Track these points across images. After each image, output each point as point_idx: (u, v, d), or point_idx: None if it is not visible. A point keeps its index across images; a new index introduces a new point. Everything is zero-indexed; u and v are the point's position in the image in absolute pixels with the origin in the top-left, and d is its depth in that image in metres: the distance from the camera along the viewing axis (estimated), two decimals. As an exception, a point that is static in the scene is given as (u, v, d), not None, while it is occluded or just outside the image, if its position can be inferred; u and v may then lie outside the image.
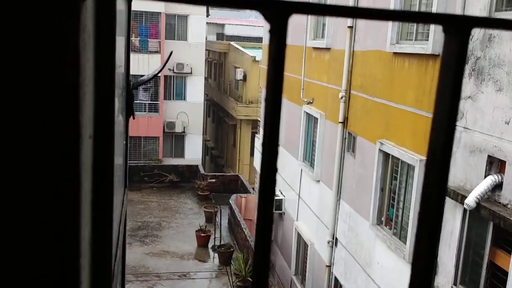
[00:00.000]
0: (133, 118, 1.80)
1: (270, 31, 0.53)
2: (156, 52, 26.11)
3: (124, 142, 1.71)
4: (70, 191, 0.54)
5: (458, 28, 0.56)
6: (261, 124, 17.50)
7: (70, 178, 0.54)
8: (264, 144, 0.54)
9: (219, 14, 48.21)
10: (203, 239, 17.96)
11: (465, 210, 6.63)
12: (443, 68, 0.58)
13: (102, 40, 0.74)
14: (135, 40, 25.79)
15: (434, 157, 0.58)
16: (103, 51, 0.75)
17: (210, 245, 18.00)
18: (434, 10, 7.48)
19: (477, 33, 6.54)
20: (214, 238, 17.86)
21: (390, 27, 8.77)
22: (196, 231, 18.23)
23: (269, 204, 0.53)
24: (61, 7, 0.47)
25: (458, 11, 6.93)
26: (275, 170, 0.54)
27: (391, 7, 8.70)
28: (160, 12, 25.80)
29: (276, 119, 0.54)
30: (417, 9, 8.26)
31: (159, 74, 25.88)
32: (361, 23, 10.14)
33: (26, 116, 0.50)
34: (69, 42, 0.48)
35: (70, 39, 0.48)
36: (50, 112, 0.51)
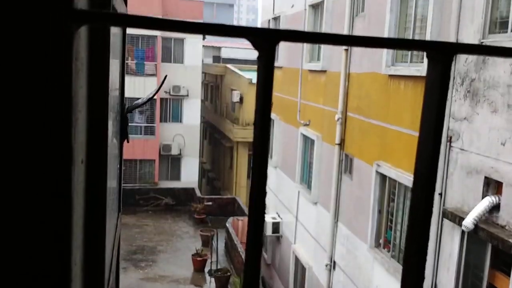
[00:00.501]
0: (127, 141, 1.81)
1: (258, 58, 0.54)
2: (153, 75, 26.25)
3: (118, 166, 1.71)
4: (61, 215, 0.54)
5: (440, 55, 0.57)
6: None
7: (61, 202, 0.54)
8: (254, 169, 0.55)
9: (216, 37, 48.66)
10: (199, 264, 17.78)
11: (463, 232, 6.60)
12: (427, 93, 0.59)
13: (96, 66, 0.75)
14: (131, 63, 25.94)
15: (421, 181, 0.58)
16: (96, 76, 0.76)
17: (206, 269, 17.81)
18: (428, 32, 7.59)
19: (471, 55, 6.62)
20: (211, 262, 17.68)
21: (385, 49, 8.87)
22: (192, 255, 18.05)
23: (259, 229, 0.53)
24: (54, 36, 0.49)
25: (452, 34, 7.03)
26: (264, 193, 0.55)
27: (386, 30, 8.82)
28: (157, 36, 26.05)
29: (265, 142, 0.55)
30: (411, 32, 8.37)
31: (155, 97, 25.98)
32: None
33: (18, 140, 0.51)
34: (62, 70, 0.49)
35: (62, 67, 0.49)
36: (42, 138, 0.51)
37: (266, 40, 0.54)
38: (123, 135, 1.72)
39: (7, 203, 0.51)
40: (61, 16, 0.48)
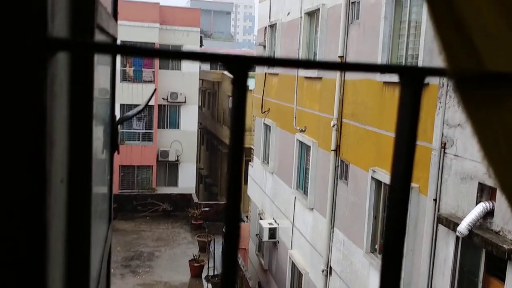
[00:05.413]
0: (118, 153, 1.82)
1: (232, 82, 0.56)
2: (150, 81, 26.29)
3: (109, 177, 1.72)
4: (35, 235, 0.55)
5: (412, 79, 0.59)
6: (255, 151, 17.47)
7: (34, 223, 0.55)
8: (228, 193, 0.56)
9: (213, 45, 48.77)
10: (196, 269, 17.75)
11: (457, 237, 6.62)
12: (400, 116, 0.61)
13: (78, 85, 0.76)
14: (129, 70, 25.98)
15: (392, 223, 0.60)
16: (79, 96, 0.77)
17: (203, 275, 17.78)
18: (422, 39, 7.63)
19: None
20: (208, 268, 17.66)
21: (379, 55, 8.91)
22: (189, 261, 18.03)
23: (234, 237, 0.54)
24: (27, 63, 0.50)
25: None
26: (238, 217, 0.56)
27: (380, 37, 8.86)
28: (154, 43, 26.10)
29: (238, 163, 0.56)
30: (405, 39, 8.41)
31: (153, 103, 26.02)
32: (352, 53, 10.29)
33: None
34: (35, 96, 0.50)
35: (35, 93, 0.50)
36: (13, 160, 0.52)
37: (239, 65, 0.56)
38: (114, 146, 1.73)
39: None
40: (33, 44, 0.49)
